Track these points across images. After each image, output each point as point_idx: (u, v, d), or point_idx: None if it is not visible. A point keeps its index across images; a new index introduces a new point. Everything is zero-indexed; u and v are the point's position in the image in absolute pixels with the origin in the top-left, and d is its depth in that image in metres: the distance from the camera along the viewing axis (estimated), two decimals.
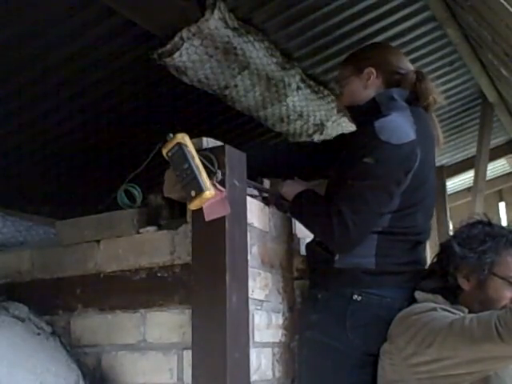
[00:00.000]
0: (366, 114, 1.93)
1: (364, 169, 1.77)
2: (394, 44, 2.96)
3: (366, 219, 1.78)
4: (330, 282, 1.87)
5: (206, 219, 1.61)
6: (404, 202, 1.83)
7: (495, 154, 4.97)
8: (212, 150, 1.69)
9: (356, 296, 1.81)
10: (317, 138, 3.43)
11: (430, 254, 2.08)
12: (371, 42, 2.85)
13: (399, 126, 1.80)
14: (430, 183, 1.92)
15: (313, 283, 1.97)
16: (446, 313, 1.69)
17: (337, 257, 1.85)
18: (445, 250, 1.86)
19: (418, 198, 1.86)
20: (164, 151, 1.66)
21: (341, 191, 1.80)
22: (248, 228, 1.76)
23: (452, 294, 1.78)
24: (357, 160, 1.79)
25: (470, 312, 1.70)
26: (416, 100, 1.95)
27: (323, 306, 1.85)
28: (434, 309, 1.70)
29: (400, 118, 1.83)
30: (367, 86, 1.97)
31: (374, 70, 1.96)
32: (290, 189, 1.99)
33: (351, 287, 1.82)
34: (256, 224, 1.85)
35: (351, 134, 2.12)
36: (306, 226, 1.94)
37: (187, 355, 1.65)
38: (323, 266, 1.90)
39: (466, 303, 1.75)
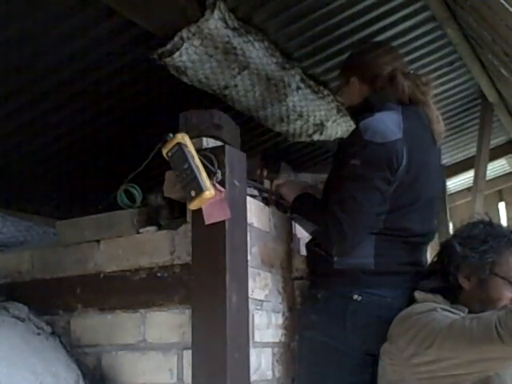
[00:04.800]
0: (360, 112, 1.95)
1: (352, 171, 1.80)
2: (393, 44, 2.96)
3: (361, 221, 1.79)
4: (330, 282, 1.87)
5: (206, 222, 1.61)
6: (395, 202, 1.84)
7: (495, 154, 4.96)
8: (212, 150, 1.69)
9: (356, 296, 1.81)
10: (317, 137, 3.43)
11: (430, 254, 2.08)
12: (367, 42, 2.86)
13: (383, 125, 1.83)
14: (422, 183, 1.90)
15: (312, 283, 1.98)
16: (447, 313, 1.69)
17: (336, 258, 1.85)
18: (445, 249, 1.86)
19: (409, 197, 1.87)
20: (164, 151, 1.66)
21: (334, 195, 1.83)
22: (248, 228, 1.76)
23: (452, 294, 1.78)
24: (345, 162, 1.83)
25: (470, 312, 1.70)
26: (409, 99, 1.96)
27: (323, 305, 1.86)
28: (435, 309, 1.70)
29: (386, 117, 1.86)
30: (358, 92, 2.05)
31: (356, 79, 2.05)
32: (290, 190, 2.03)
33: (351, 287, 1.83)
34: (256, 224, 1.85)
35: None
36: (306, 230, 1.97)
37: (187, 355, 1.65)
38: (323, 267, 1.90)
39: (466, 303, 1.75)
